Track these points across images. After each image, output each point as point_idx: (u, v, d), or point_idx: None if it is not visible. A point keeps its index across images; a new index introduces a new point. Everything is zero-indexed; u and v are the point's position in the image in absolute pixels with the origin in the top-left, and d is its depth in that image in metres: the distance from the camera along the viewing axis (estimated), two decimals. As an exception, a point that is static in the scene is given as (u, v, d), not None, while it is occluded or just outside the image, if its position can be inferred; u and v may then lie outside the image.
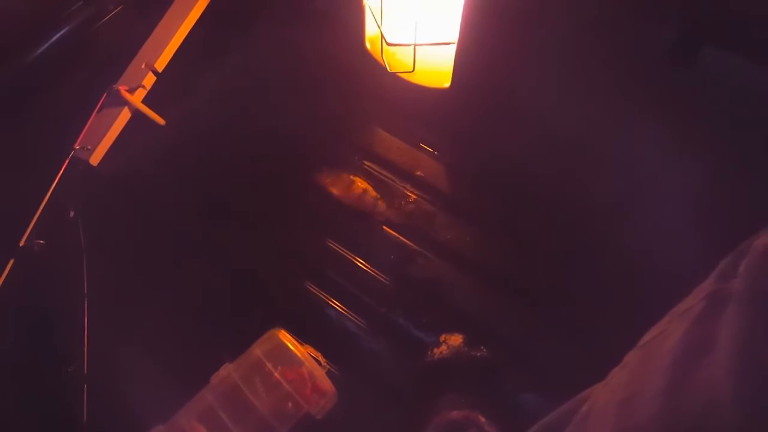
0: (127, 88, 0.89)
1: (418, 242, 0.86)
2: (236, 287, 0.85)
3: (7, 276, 0.75)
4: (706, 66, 0.83)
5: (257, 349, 0.73)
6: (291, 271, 0.85)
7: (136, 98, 0.89)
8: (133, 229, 0.90)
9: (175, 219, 0.91)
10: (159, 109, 0.93)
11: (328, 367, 0.76)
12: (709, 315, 0.31)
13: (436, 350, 0.76)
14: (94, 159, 0.87)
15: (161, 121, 0.93)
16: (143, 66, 0.91)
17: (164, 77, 0.92)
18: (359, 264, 0.85)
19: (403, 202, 0.90)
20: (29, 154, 0.87)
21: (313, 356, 0.75)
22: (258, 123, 1.00)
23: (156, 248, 0.89)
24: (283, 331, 0.75)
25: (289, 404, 0.70)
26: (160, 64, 0.91)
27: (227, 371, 0.71)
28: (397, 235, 0.88)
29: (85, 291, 0.79)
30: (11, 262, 0.76)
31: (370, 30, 0.90)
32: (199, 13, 0.94)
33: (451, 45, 0.80)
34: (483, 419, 0.65)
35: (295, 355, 0.73)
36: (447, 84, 0.87)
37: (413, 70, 0.81)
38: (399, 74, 0.87)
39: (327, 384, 0.71)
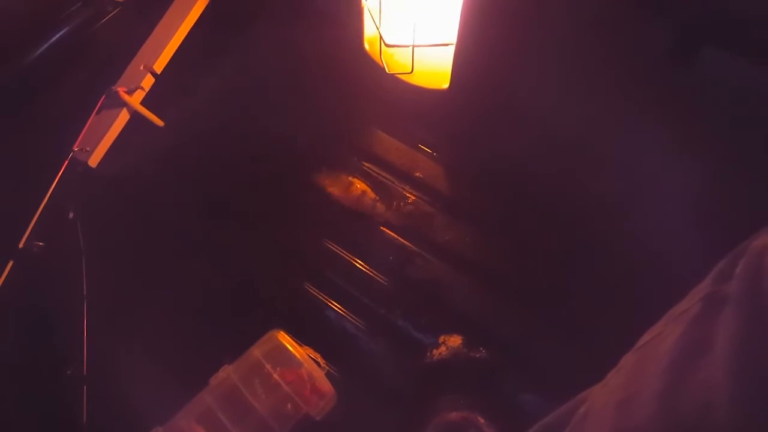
0: (125, 89, 0.89)
1: (417, 243, 0.86)
2: (235, 288, 0.85)
3: (6, 277, 0.75)
4: (706, 66, 0.83)
5: (256, 351, 0.73)
6: (290, 272, 0.85)
7: (135, 100, 0.89)
8: (132, 230, 0.90)
9: (175, 220, 0.91)
10: (157, 110, 0.93)
11: (327, 368, 0.76)
12: (706, 317, 0.31)
13: (435, 351, 0.76)
14: (93, 160, 0.88)
15: (160, 123, 0.93)
16: (142, 67, 0.91)
17: (163, 78, 0.92)
18: (358, 265, 0.85)
19: (402, 203, 0.90)
20: (28, 156, 0.87)
21: (312, 357, 0.75)
22: (257, 124, 1.00)
23: (155, 249, 0.89)
24: (282, 333, 0.75)
25: (289, 405, 0.70)
26: (159, 66, 0.91)
27: (226, 373, 0.71)
28: (396, 236, 0.88)
29: (85, 292, 0.80)
30: (11, 263, 0.76)
31: (369, 31, 0.90)
32: (198, 15, 0.94)
33: (449, 46, 0.80)
34: (482, 420, 0.66)
35: (294, 356, 0.73)
36: (446, 85, 0.87)
37: (412, 71, 0.81)
38: (398, 75, 0.87)
39: (326, 385, 0.71)
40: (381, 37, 0.79)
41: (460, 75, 0.84)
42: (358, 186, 0.91)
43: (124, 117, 0.90)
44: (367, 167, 0.95)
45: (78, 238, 0.83)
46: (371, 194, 0.90)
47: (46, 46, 0.89)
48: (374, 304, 0.82)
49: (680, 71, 0.86)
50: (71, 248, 0.82)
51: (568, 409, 0.40)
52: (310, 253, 0.87)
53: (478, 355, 0.75)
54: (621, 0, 0.83)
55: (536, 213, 0.88)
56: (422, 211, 0.90)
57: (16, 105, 0.89)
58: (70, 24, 0.91)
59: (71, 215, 0.84)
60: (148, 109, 0.92)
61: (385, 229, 0.88)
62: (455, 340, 0.76)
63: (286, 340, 0.74)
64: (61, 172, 0.83)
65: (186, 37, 0.94)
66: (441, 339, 0.77)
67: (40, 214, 0.79)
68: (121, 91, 0.88)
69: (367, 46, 0.92)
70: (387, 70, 0.84)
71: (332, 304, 0.82)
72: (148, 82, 0.91)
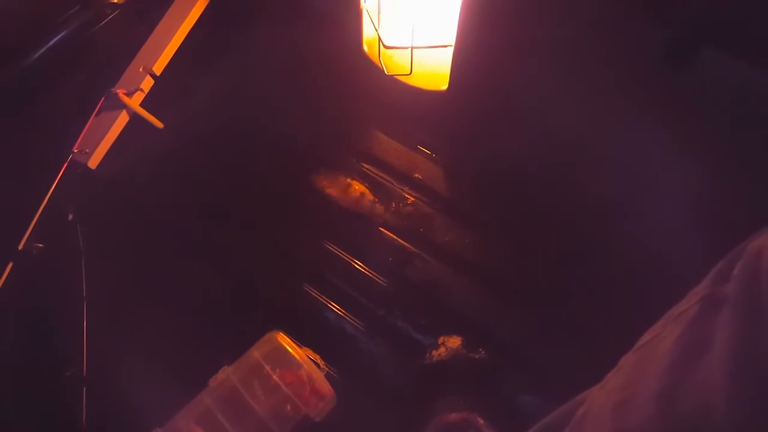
0: (125, 91, 0.89)
1: (417, 244, 0.86)
2: (235, 289, 0.85)
3: (6, 279, 0.75)
4: (706, 66, 0.83)
5: (256, 352, 0.73)
6: (289, 273, 0.85)
7: (135, 101, 0.90)
8: (132, 232, 0.90)
9: (174, 221, 0.91)
10: (157, 111, 0.93)
11: (326, 369, 0.75)
12: (703, 318, 0.31)
13: (434, 352, 0.76)
14: (93, 162, 0.88)
15: (159, 124, 0.93)
16: (141, 69, 0.91)
17: (162, 80, 0.92)
18: (357, 266, 0.85)
19: (401, 204, 0.90)
20: (28, 157, 0.87)
21: (311, 359, 0.75)
22: (256, 125, 1.00)
23: (154, 250, 0.89)
24: (281, 334, 0.75)
25: (288, 407, 0.70)
26: (158, 68, 0.92)
27: (226, 374, 0.71)
28: (395, 237, 0.87)
29: (84, 293, 0.80)
30: (10, 265, 0.76)
31: (368, 33, 0.90)
32: (197, 17, 0.95)
33: (448, 47, 0.80)
34: (481, 421, 0.65)
35: (294, 357, 0.72)
36: (444, 86, 0.87)
37: (411, 73, 0.82)
38: (396, 77, 0.87)
39: (326, 386, 0.71)
40: (380, 39, 0.79)
41: (459, 76, 0.84)
42: (357, 187, 0.91)
43: (123, 119, 0.90)
44: (366, 168, 0.95)
45: (77, 239, 0.83)
46: (370, 195, 0.90)
47: (44, 48, 0.89)
48: (373, 305, 0.82)
49: (680, 72, 0.86)
50: (71, 249, 0.82)
51: (567, 410, 0.40)
52: (310, 254, 0.87)
53: (477, 356, 0.75)
54: (621, 0, 0.82)
55: (536, 213, 0.88)
56: (421, 212, 0.89)
57: (16, 106, 0.89)
58: (69, 26, 0.91)
59: (71, 217, 0.85)
60: (148, 110, 0.92)
61: (384, 230, 0.88)
62: (455, 341, 0.76)
63: (285, 341, 0.74)
64: (60, 173, 0.83)
65: (185, 38, 0.94)
66: (440, 340, 0.77)
67: (39, 216, 0.79)
68: (120, 92, 0.88)
69: (366, 48, 0.92)
70: (386, 72, 0.84)
71: (332, 305, 0.82)
72: (148, 83, 0.91)
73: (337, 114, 1.00)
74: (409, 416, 0.72)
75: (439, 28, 0.79)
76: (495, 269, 0.84)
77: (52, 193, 0.81)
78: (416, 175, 0.93)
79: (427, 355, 0.76)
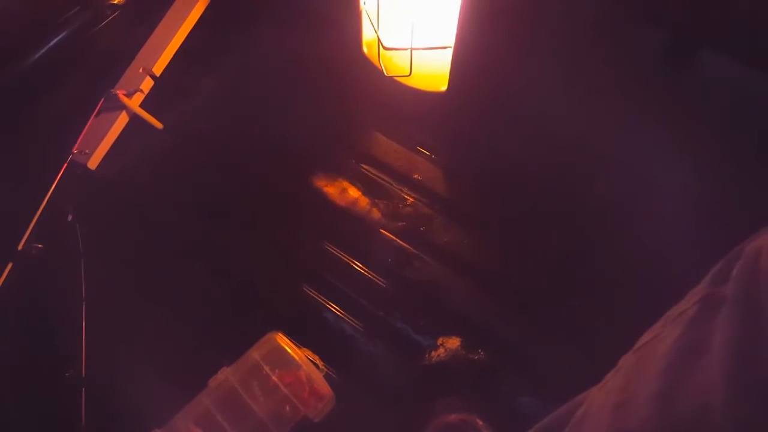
0: (124, 92, 0.89)
1: (416, 245, 0.86)
2: (235, 289, 0.85)
3: (5, 279, 0.76)
4: (706, 67, 0.83)
5: (255, 353, 0.73)
6: (289, 274, 0.85)
7: (134, 102, 0.90)
8: (131, 232, 0.90)
9: (174, 221, 0.91)
10: (156, 112, 0.93)
11: (325, 370, 0.75)
12: (702, 319, 0.31)
13: (433, 353, 0.75)
14: (92, 163, 0.88)
15: (159, 125, 0.94)
16: (141, 70, 0.91)
17: (162, 81, 0.92)
18: (357, 267, 0.85)
19: (400, 206, 0.90)
20: (27, 158, 0.87)
21: (310, 359, 0.74)
22: (255, 126, 1.00)
23: (154, 251, 0.89)
24: (280, 335, 0.75)
25: (287, 408, 0.70)
26: (158, 68, 0.92)
27: (225, 375, 0.71)
28: (394, 238, 0.87)
29: (84, 294, 0.80)
30: (9, 265, 0.76)
31: (368, 34, 0.90)
32: (197, 18, 0.95)
33: (447, 49, 0.80)
34: (480, 422, 0.65)
35: (293, 358, 0.72)
36: (444, 87, 0.87)
37: (410, 74, 0.82)
38: (396, 78, 0.87)
39: (325, 387, 0.71)
40: (379, 40, 0.79)
41: (459, 77, 0.84)
42: (357, 188, 0.91)
43: (123, 119, 0.90)
44: (366, 169, 0.94)
45: (77, 239, 0.83)
46: (370, 196, 0.90)
47: (44, 49, 0.89)
48: (373, 306, 0.81)
49: (680, 72, 0.86)
50: (70, 250, 0.82)
51: (566, 411, 0.40)
52: (308, 255, 0.87)
53: (476, 357, 0.75)
54: (621, 1, 0.83)
55: (536, 213, 0.88)
56: (420, 213, 0.89)
57: (16, 106, 0.89)
58: (69, 27, 0.91)
59: (70, 217, 0.85)
60: (147, 111, 0.92)
61: (383, 231, 0.88)
62: (454, 342, 0.76)
63: (284, 342, 0.74)
64: (60, 174, 0.83)
65: (185, 39, 0.94)
66: (440, 341, 0.76)
67: (38, 216, 0.79)
68: (120, 93, 0.89)
69: (365, 49, 0.92)
70: (385, 73, 0.84)
71: (331, 306, 0.82)
72: (147, 84, 0.92)
73: (337, 115, 1.00)
74: (408, 417, 0.72)
75: (439, 29, 0.79)
76: (494, 270, 0.84)
77: (51, 193, 0.81)
78: (415, 176, 0.93)
79: (427, 356, 0.76)
